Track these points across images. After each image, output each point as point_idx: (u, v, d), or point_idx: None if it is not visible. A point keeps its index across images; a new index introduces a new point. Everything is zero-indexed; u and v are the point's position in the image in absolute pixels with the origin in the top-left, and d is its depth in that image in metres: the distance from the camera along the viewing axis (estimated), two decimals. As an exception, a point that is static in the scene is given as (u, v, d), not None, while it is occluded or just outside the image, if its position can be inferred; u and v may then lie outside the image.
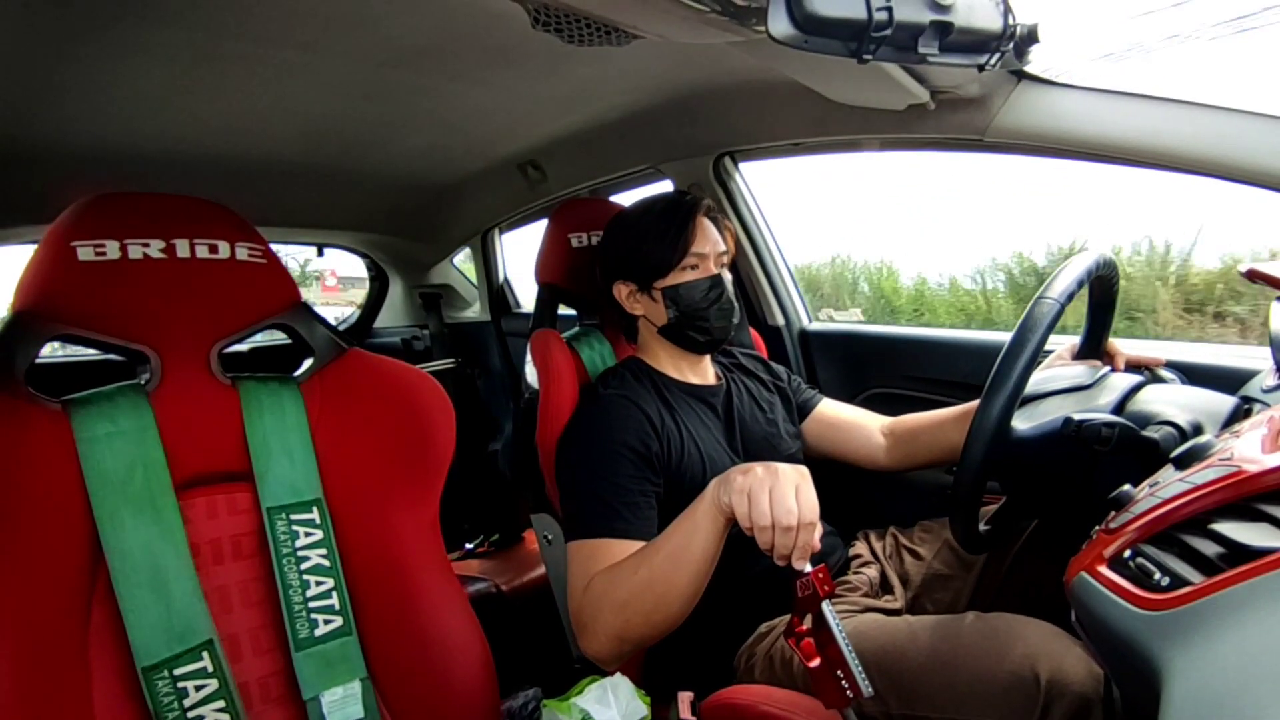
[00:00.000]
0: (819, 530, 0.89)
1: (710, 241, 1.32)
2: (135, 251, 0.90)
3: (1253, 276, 0.99)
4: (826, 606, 0.82)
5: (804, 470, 0.92)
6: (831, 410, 1.52)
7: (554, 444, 1.29)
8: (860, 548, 1.41)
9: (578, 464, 1.21)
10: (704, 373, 1.41)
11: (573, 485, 1.20)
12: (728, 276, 1.35)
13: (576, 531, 1.15)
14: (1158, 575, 0.58)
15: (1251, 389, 1.04)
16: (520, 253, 2.74)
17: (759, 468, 0.91)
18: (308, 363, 1.06)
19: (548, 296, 1.56)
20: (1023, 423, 1.05)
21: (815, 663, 0.83)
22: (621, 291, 1.36)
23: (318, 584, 0.96)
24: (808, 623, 0.85)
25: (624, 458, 1.18)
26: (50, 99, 1.33)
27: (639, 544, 1.10)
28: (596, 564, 1.09)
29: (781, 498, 0.87)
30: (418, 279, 2.92)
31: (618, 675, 1.08)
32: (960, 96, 1.29)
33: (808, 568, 0.83)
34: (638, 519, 1.14)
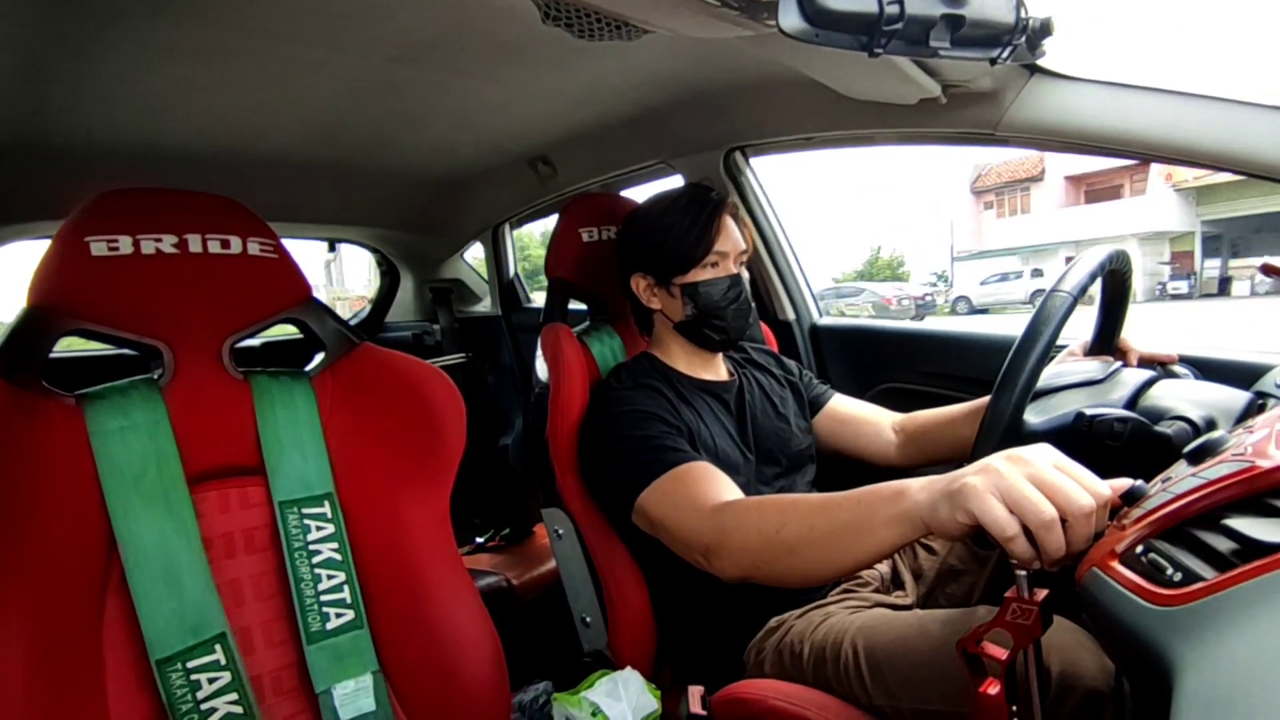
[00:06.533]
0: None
1: (732, 240, 1.32)
2: (148, 246, 0.91)
3: (1268, 271, 0.98)
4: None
5: (1045, 446, 0.72)
6: (843, 406, 1.52)
7: (565, 438, 1.29)
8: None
9: (607, 438, 1.21)
10: (716, 368, 1.41)
11: (611, 454, 1.20)
12: (745, 276, 1.35)
13: (639, 483, 1.13)
14: (1170, 571, 0.57)
15: (1265, 384, 1.03)
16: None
17: (996, 461, 0.70)
18: (319, 357, 1.06)
19: (558, 291, 1.56)
20: (1035, 417, 1.05)
21: (994, 690, 0.67)
22: (639, 284, 1.36)
23: (329, 578, 0.97)
24: (997, 643, 0.68)
25: (654, 419, 1.20)
26: (64, 95, 1.33)
27: (704, 463, 1.12)
28: (691, 489, 1.07)
29: (1055, 479, 0.67)
30: (428, 274, 2.92)
31: (628, 669, 1.09)
32: (972, 90, 1.28)
33: (1038, 592, 0.66)
34: (688, 447, 1.16)
